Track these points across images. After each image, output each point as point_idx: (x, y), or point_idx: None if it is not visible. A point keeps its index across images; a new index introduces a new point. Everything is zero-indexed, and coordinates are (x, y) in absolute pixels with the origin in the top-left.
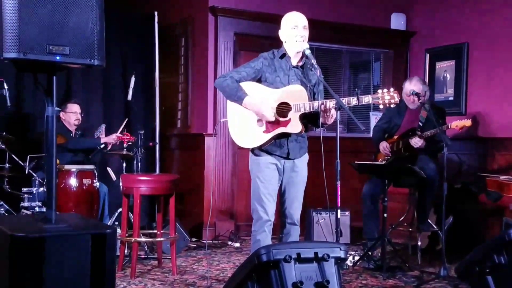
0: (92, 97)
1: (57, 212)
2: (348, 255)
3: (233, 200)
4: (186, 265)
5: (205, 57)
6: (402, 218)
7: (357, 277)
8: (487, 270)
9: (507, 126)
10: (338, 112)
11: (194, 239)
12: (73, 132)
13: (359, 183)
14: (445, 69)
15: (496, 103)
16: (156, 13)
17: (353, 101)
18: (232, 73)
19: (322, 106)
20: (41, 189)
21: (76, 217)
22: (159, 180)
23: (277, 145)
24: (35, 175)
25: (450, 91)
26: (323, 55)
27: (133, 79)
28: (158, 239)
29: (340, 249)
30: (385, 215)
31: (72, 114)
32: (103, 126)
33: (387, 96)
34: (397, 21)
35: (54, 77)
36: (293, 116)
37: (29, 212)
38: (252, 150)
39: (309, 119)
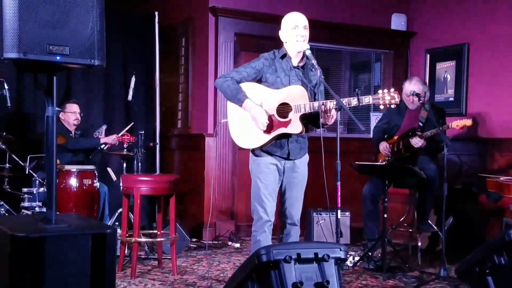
0: (92, 97)
1: (57, 212)
2: (348, 256)
3: (233, 201)
4: (186, 265)
5: (205, 58)
6: (402, 218)
7: (357, 277)
8: (487, 271)
9: (507, 126)
10: (339, 112)
11: (194, 240)
12: (73, 132)
13: (359, 184)
14: (446, 69)
15: (496, 104)
16: (156, 13)
17: (354, 101)
18: (233, 73)
19: (323, 107)
20: (41, 189)
21: (76, 217)
22: (159, 181)
23: (278, 146)
24: (35, 175)
25: (451, 91)
26: (324, 56)
27: (133, 79)
28: (158, 239)
29: (340, 250)
30: (385, 215)
31: (71, 114)
32: (104, 127)
33: (387, 97)
34: (398, 22)
35: (55, 77)
36: (294, 117)
37: (29, 212)
38: (253, 150)
39: (310, 119)
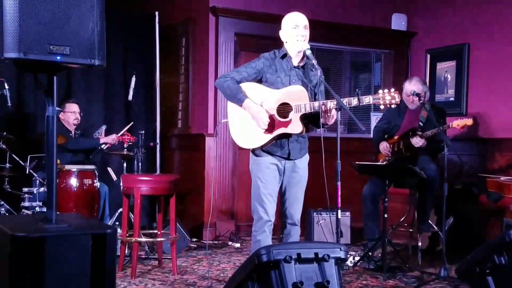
0: (92, 97)
1: (58, 212)
2: (348, 256)
3: (233, 201)
4: (187, 265)
5: (205, 57)
6: (402, 218)
7: (358, 277)
8: (488, 271)
9: (507, 126)
10: (339, 112)
11: (194, 239)
12: (73, 132)
13: (359, 184)
14: (446, 69)
15: (497, 104)
16: (156, 13)
17: (354, 101)
18: (233, 73)
19: (323, 107)
20: (41, 189)
21: (77, 217)
22: (160, 180)
23: (278, 146)
24: (35, 175)
25: (451, 91)
26: (324, 56)
27: (133, 79)
28: (159, 239)
29: (341, 250)
30: (386, 215)
31: (71, 114)
32: (104, 127)
33: (387, 97)
34: (398, 22)
35: (55, 77)
36: (294, 117)
37: (29, 212)
38: (253, 150)
39: (310, 119)
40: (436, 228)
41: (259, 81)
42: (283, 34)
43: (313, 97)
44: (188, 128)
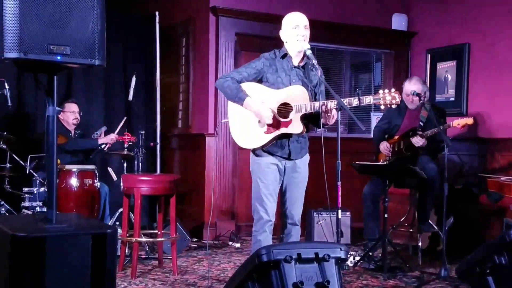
0: (93, 97)
1: (58, 212)
2: (348, 256)
3: (233, 201)
4: (187, 265)
5: (206, 57)
6: (402, 218)
7: (358, 277)
8: (488, 271)
9: (508, 126)
10: (339, 112)
11: (194, 239)
12: (72, 132)
13: (359, 184)
14: (446, 69)
15: (497, 104)
16: (157, 13)
17: (354, 101)
18: (233, 73)
19: (323, 107)
20: (42, 189)
21: (77, 217)
22: (160, 180)
23: (278, 146)
24: (36, 175)
25: (451, 91)
26: (324, 56)
27: (134, 79)
28: (159, 239)
29: (341, 250)
30: (386, 215)
31: (70, 114)
32: (104, 128)
33: (388, 97)
34: (398, 22)
35: (55, 77)
36: (294, 117)
37: (30, 212)
38: (253, 150)
39: (310, 119)
40: (436, 228)
41: (260, 81)
42: (283, 34)
43: (314, 97)
44: (189, 128)
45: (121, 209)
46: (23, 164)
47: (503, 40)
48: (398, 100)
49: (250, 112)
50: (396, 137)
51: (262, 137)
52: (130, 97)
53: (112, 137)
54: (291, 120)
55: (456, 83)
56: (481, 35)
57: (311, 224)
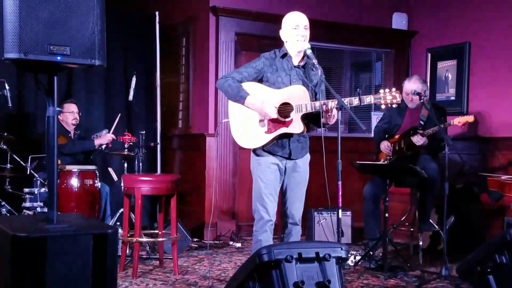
0: (93, 97)
1: (59, 213)
2: (349, 255)
3: (234, 200)
4: (188, 265)
5: (206, 57)
6: (403, 218)
7: (359, 277)
8: (489, 270)
9: (508, 125)
10: (340, 112)
11: (195, 239)
12: (72, 132)
13: (360, 183)
14: (447, 68)
15: (497, 103)
16: (157, 13)
17: (355, 101)
18: (234, 73)
19: (324, 106)
20: (42, 190)
21: (78, 217)
22: (161, 181)
23: (279, 146)
24: (36, 176)
25: (452, 90)
26: (324, 55)
27: (134, 79)
28: (160, 239)
29: (342, 249)
30: (387, 215)
31: (69, 114)
32: (105, 131)
33: (388, 96)
34: (399, 21)
35: (55, 77)
36: (295, 117)
37: (30, 213)
38: (254, 150)
39: (311, 119)
40: (437, 227)
41: (260, 81)
42: (283, 34)
43: (314, 96)
44: (189, 128)
45: (121, 209)
46: (23, 164)
47: (504, 38)
48: (398, 99)
49: (251, 112)
50: (396, 137)
51: (262, 137)
52: (130, 97)
53: (108, 137)
54: (291, 119)
55: (456, 82)
56: (481, 34)
57: (312, 224)
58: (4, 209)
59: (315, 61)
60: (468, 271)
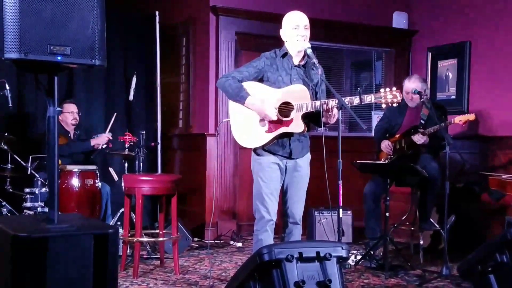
0: (93, 97)
1: (59, 213)
2: (350, 254)
3: (235, 200)
4: (189, 264)
5: (206, 57)
6: (404, 217)
7: (359, 276)
8: (489, 269)
9: (509, 124)
10: (340, 111)
11: (196, 239)
12: (72, 133)
13: (361, 183)
14: (447, 67)
15: (498, 102)
16: (157, 13)
17: (356, 100)
18: (234, 73)
19: (324, 106)
20: (43, 190)
21: (78, 217)
22: (161, 180)
23: (280, 145)
24: (37, 176)
25: (452, 89)
26: (325, 54)
27: (134, 79)
28: (160, 239)
29: (342, 248)
30: (387, 214)
31: (69, 114)
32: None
33: (389, 95)
34: (399, 20)
35: (56, 77)
36: (296, 116)
37: (31, 213)
38: (254, 150)
39: (311, 118)
40: (437, 226)
41: (260, 80)
42: (284, 33)
43: (314, 96)
44: (189, 128)
45: (122, 209)
46: (24, 164)
47: (504, 37)
48: (399, 98)
49: (251, 111)
50: (397, 136)
51: (263, 136)
52: (131, 97)
53: (104, 137)
54: (292, 119)
55: (457, 81)
56: (482, 33)
57: (313, 223)
58: (5, 209)
59: (315, 60)
60: (469, 270)
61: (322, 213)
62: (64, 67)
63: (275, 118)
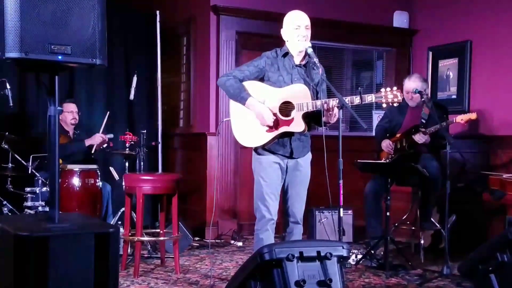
0: (94, 96)
1: (60, 212)
2: (350, 254)
3: (235, 199)
4: (189, 264)
5: (207, 56)
6: (405, 216)
7: (360, 275)
8: (490, 268)
9: (510, 123)
10: (341, 110)
11: (197, 238)
12: (71, 132)
13: (361, 182)
14: (448, 67)
15: (499, 101)
16: (158, 12)
17: (356, 100)
18: (235, 72)
19: (325, 105)
20: (44, 189)
21: (79, 217)
22: (162, 180)
23: (280, 144)
24: (38, 175)
25: (453, 89)
26: (326, 54)
27: (135, 79)
28: (161, 238)
29: (343, 248)
30: (388, 213)
31: (68, 114)
32: (109, 135)
33: (390, 95)
34: (400, 19)
35: (56, 77)
36: (296, 115)
37: (32, 212)
38: (255, 149)
39: (312, 118)
40: (438, 226)
41: (261, 79)
42: (285, 33)
43: (315, 95)
44: (190, 127)
45: (123, 209)
46: (25, 164)
47: (505, 36)
48: (400, 98)
49: (252, 111)
50: (398, 135)
51: (263, 136)
52: (132, 97)
53: (98, 137)
54: (292, 118)
55: (458, 81)
56: (483, 32)
57: (313, 223)
58: (6, 209)
59: (316, 59)
60: (470, 269)
61: (323, 213)
62: (65, 67)
63: (270, 124)
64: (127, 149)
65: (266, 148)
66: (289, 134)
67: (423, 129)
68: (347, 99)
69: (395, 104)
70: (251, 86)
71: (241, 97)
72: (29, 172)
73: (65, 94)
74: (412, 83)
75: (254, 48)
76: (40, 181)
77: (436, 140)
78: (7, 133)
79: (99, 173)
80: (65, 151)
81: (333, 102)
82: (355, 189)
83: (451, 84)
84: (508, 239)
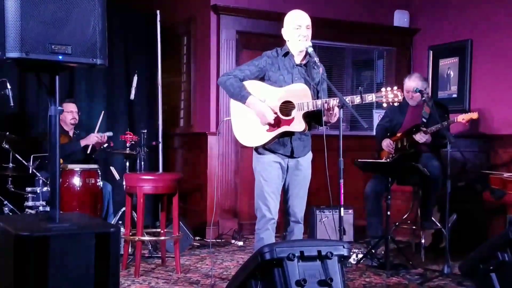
0: (94, 96)
1: (61, 212)
2: (351, 253)
3: (236, 199)
4: (190, 263)
5: (207, 56)
6: (405, 216)
7: (361, 275)
8: (491, 268)
9: (511, 123)
10: (341, 110)
11: (197, 238)
12: (71, 132)
13: (362, 181)
14: (449, 66)
15: (500, 100)
16: (158, 12)
17: (357, 99)
18: (236, 71)
19: (326, 105)
20: (45, 189)
21: (80, 216)
22: (162, 179)
23: (281, 144)
24: (38, 175)
25: (454, 88)
26: (326, 53)
27: (135, 79)
28: (162, 238)
29: (344, 247)
30: (389, 213)
31: (68, 114)
32: (108, 133)
33: (390, 95)
34: (400, 18)
35: (57, 77)
36: (297, 115)
37: (33, 212)
38: (256, 148)
39: (313, 117)
40: (439, 225)
41: (262, 79)
42: (285, 32)
43: (316, 95)
44: (191, 126)
45: (124, 208)
46: (25, 163)
47: (506, 36)
48: (400, 98)
49: (253, 110)
50: (398, 134)
51: (264, 135)
52: (132, 97)
53: (93, 137)
54: (293, 118)
55: (458, 80)
56: (483, 31)
57: (314, 222)
58: (6, 208)
59: (316, 59)
60: (470, 269)
61: (324, 212)
62: (65, 67)
63: (272, 122)
64: (128, 149)
65: (267, 147)
66: (290, 134)
67: (424, 129)
68: (348, 99)
69: (395, 104)
70: (251, 85)
71: (242, 95)
72: (30, 172)
73: (65, 94)
74: (412, 82)
75: (255, 47)
76: (40, 181)
77: (437, 139)
78: (7, 133)
79: (99, 173)
80: (62, 152)
81: (334, 101)
82: (355, 188)
83: (451, 83)
84: (509, 238)
